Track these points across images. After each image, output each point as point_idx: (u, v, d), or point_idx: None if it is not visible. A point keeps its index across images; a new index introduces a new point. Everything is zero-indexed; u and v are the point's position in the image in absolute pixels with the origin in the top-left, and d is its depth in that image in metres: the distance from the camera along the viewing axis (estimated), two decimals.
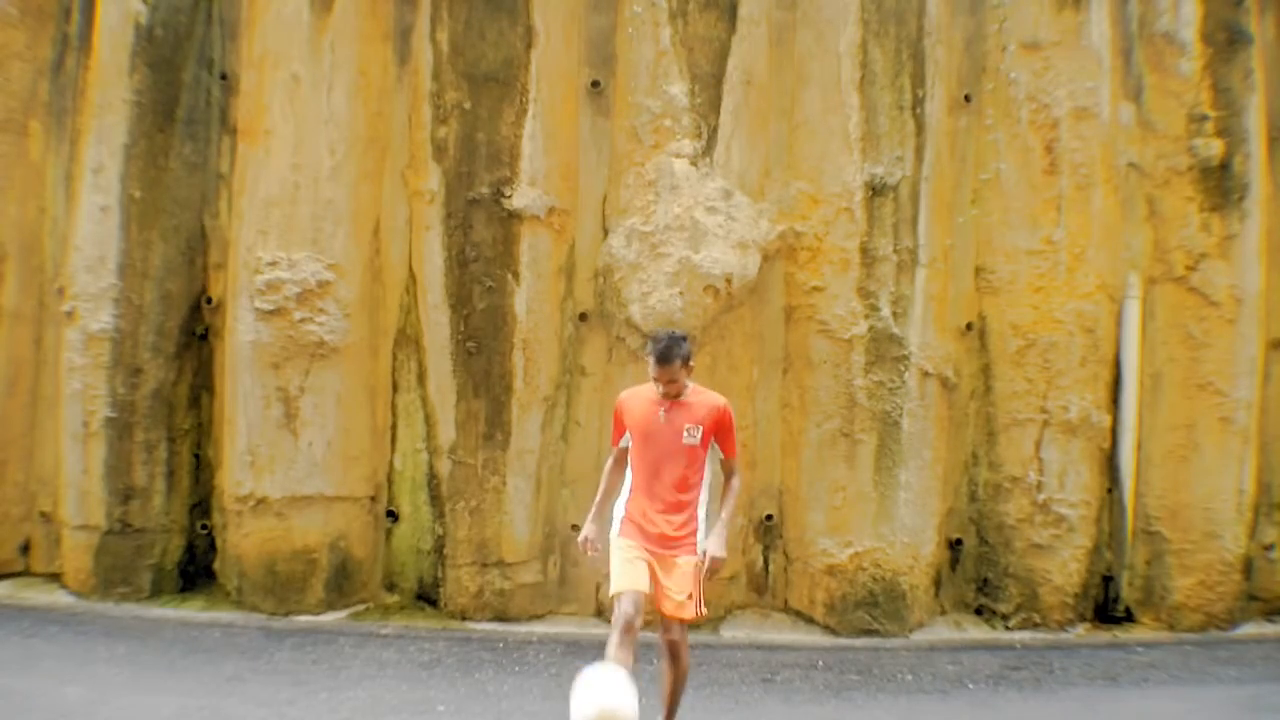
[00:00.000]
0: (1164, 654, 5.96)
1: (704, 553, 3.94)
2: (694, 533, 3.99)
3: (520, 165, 6.18)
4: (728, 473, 4.13)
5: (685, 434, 3.94)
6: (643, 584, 3.89)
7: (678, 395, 3.98)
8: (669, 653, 3.98)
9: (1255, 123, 6.49)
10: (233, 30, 6.55)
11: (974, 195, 6.56)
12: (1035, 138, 6.36)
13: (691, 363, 4.02)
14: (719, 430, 4.02)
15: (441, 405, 6.26)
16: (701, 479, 4.03)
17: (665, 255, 5.98)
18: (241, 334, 6.16)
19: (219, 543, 6.50)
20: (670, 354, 3.91)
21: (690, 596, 3.89)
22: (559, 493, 6.28)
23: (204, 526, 6.56)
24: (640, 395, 4.11)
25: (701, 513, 4.04)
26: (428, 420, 6.33)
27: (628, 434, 4.11)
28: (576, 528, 6.28)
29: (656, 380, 3.95)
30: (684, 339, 4.03)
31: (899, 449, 6.14)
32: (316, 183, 6.12)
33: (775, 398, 6.42)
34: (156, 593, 6.34)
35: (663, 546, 3.94)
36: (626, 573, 3.92)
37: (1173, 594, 6.43)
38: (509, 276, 6.18)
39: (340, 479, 6.20)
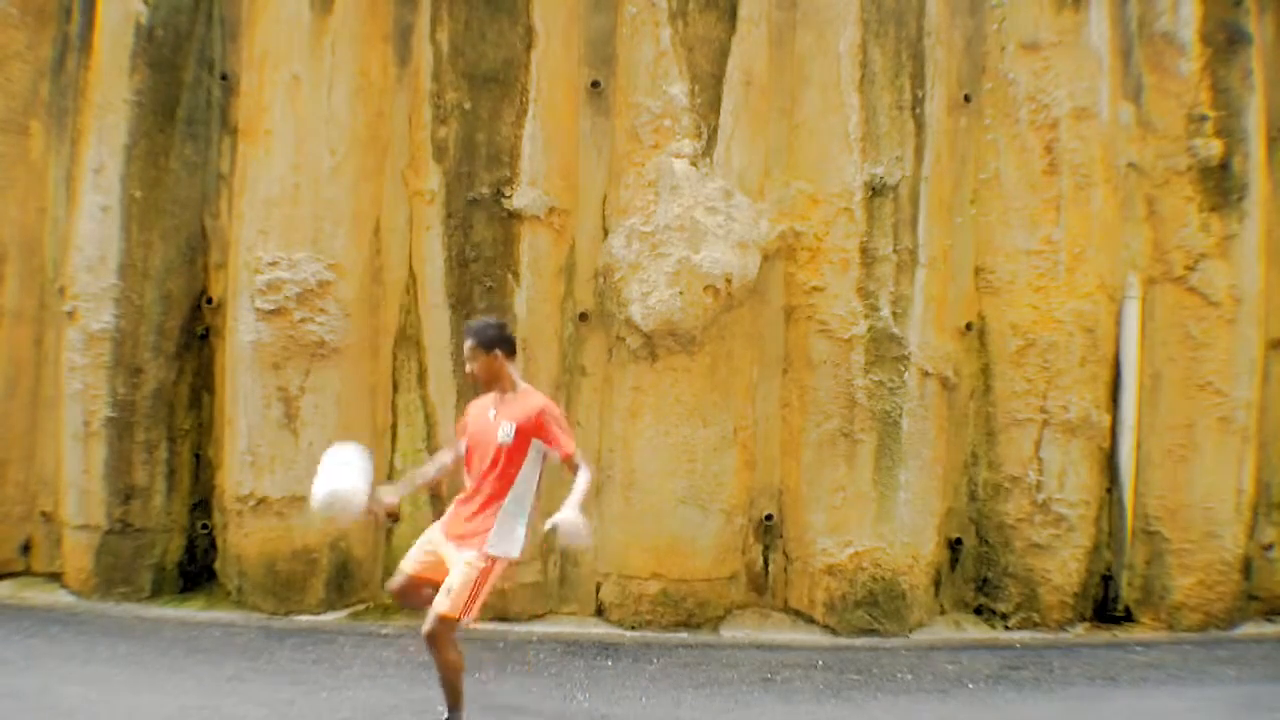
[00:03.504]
0: (1163, 653, 5.97)
1: (488, 555, 3.96)
2: (482, 533, 3.99)
3: (520, 165, 6.19)
4: (571, 470, 4.01)
5: (500, 432, 4.01)
6: (413, 569, 4.16)
7: (496, 383, 4.11)
8: (425, 643, 4.00)
9: (1254, 123, 6.50)
10: (233, 30, 6.55)
11: (973, 195, 6.57)
12: (1035, 138, 6.37)
13: (498, 352, 4.08)
14: (538, 430, 4.00)
15: (442, 405, 6.27)
16: (509, 483, 4.01)
17: (665, 255, 5.98)
18: (242, 334, 6.17)
19: (219, 542, 6.50)
20: (467, 333, 4.12)
21: (450, 591, 3.90)
22: (559, 492, 6.27)
23: (204, 526, 6.56)
24: (480, 400, 4.25)
25: (503, 517, 4.00)
26: (428, 420, 6.34)
27: (463, 441, 4.24)
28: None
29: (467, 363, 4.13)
30: (493, 325, 4.15)
31: (899, 449, 6.15)
32: (317, 183, 6.13)
33: (775, 398, 6.42)
34: (157, 592, 6.35)
35: (453, 540, 4.04)
36: (409, 556, 4.20)
37: (1172, 593, 6.44)
38: (509, 276, 6.18)
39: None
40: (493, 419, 4.08)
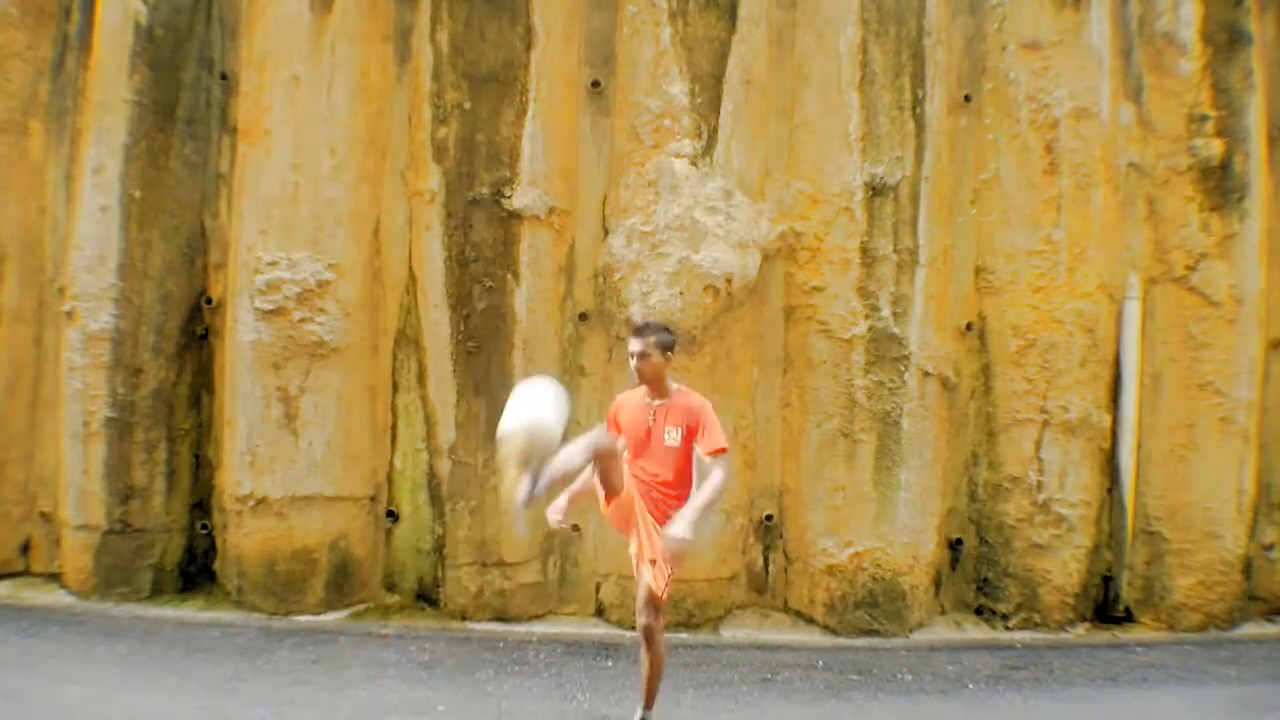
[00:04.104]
0: (1164, 654, 5.96)
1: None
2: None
3: (520, 165, 6.18)
4: (709, 466, 4.06)
5: (667, 436, 4.03)
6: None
7: (654, 383, 4.07)
8: (642, 638, 4.04)
9: (1255, 123, 6.49)
10: (233, 30, 6.55)
11: (974, 195, 6.57)
12: (1035, 138, 6.36)
13: (670, 354, 4.09)
14: (696, 430, 4.03)
15: (441, 405, 6.27)
16: (689, 479, 4.06)
17: (665, 255, 5.98)
18: (241, 334, 6.17)
19: (219, 543, 6.50)
20: (645, 330, 4.06)
21: (654, 562, 3.94)
22: (559, 492, 6.26)
23: (204, 526, 6.56)
24: (630, 400, 4.21)
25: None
26: (428, 420, 6.34)
27: (620, 436, 4.18)
28: (578, 528, 6.31)
29: (630, 356, 4.06)
30: (666, 328, 4.16)
31: (899, 449, 6.15)
32: (316, 183, 6.13)
33: (775, 398, 6.42)
34: (156, 593, 6.35)
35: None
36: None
37: (1173, 594, 6.44)
38: (509, 276, 6.18)
39: (340, 479, 6.20)
40: (653, 421, 4.07)
